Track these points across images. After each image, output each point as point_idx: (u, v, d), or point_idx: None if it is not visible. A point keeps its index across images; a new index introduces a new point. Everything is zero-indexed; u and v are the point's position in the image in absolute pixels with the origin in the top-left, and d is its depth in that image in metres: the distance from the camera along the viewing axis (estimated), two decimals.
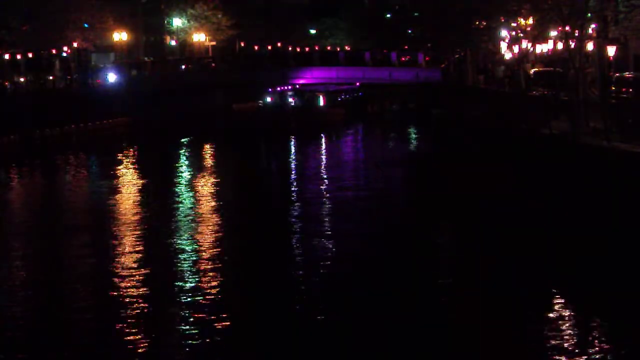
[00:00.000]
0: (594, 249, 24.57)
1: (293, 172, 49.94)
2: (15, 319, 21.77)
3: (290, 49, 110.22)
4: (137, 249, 28.71)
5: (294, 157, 57.22)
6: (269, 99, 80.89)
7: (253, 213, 35.72)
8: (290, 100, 79.22)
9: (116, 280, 24.56)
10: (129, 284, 24.07)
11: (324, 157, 57.28)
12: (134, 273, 25.29)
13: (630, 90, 34.16)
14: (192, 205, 37.37)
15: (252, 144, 65.03)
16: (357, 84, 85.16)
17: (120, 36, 77.15)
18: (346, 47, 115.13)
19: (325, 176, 46.12)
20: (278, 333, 20.14)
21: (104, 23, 74.11)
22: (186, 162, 55.72)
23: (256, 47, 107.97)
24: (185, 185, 44.34)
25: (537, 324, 20.19)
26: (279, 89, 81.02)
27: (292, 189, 42.69)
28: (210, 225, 32.35)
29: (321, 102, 78.19)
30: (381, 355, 18.70)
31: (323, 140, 67.43)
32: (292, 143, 64.86)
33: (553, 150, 31.17)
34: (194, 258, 27.09)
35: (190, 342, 19.54)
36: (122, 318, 21.13)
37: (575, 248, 25.45)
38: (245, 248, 29.20)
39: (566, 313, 21.09)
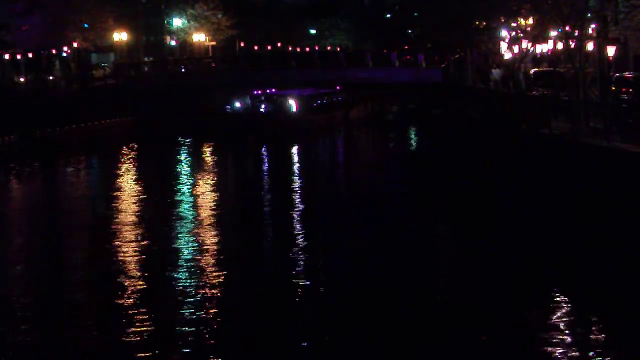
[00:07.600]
0: (593, 248, 24.56)
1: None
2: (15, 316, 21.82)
3: (290, 49, 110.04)
4: (135, 248, 28.69)
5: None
6: (237, 104, 75.76)
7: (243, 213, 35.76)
8: (262, 105, 74.08)
9: (113, 279, 24.59)
10: (126, 283, 24.09)
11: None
12: (131, 273, 25.29)
13: (630, 90, 34.11)
14: (190, 206, 37.39)
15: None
16: (338, 87, 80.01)
17: (120, 36, 77.01)
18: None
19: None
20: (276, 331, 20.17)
21: (104, 23, 73.98)
22: (183, 163, 55.82)
23: (256, 47, 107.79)
24: (182, 185, 44.33)
25: (537, 324, 20.19)
26: (254, 92, 76.12)
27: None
28: (209, 224, 32.37)
29: (293, 108, 73.02)
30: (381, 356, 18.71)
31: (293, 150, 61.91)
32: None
33: (553, 150, 31.16)
34: (192, 256, 27.10)
35: (189, 341, 19.56)
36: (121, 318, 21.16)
37: (574, 247, 25.45)
38: (242, 247, 29.26)
39: (565, 312, 21.09)
